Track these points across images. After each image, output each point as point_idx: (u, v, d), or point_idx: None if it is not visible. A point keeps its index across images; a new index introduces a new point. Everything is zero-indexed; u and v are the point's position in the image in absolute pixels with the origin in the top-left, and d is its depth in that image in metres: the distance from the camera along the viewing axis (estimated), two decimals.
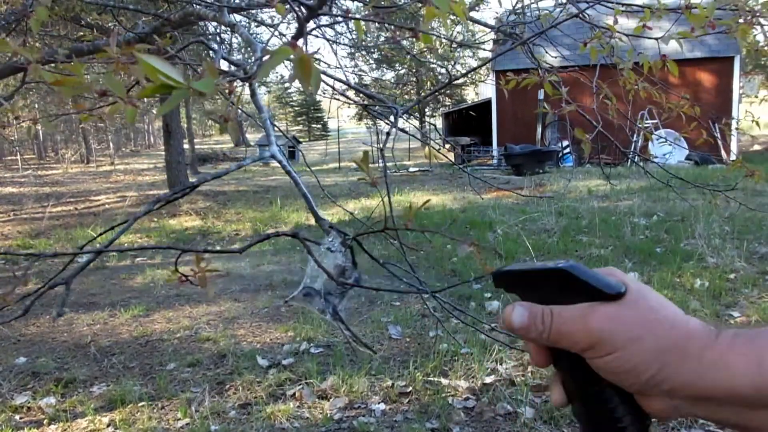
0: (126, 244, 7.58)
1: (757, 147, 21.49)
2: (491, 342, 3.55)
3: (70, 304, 4.96)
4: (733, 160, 2.68)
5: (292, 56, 0.57)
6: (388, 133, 1.46)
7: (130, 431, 2.82)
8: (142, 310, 4.64)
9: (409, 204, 1.03)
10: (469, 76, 28.62)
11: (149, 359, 3.70)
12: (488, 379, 3.13)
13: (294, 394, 3.09)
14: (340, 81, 1.96)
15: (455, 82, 28.45)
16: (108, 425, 2.89)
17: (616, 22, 1.82)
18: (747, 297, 4.12)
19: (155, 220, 9.28)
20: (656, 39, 1.76)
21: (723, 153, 14.80)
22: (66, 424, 2.91)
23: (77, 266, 1.04)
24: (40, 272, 6.18)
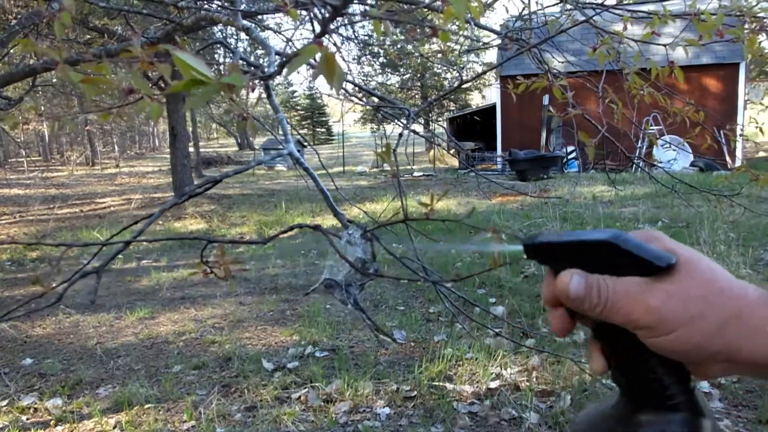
0: (132, 246, 7.61)
1: (762, 154, 21.45)
2: (496, 347, 3.56)
3: (75, 306, 4.98)
4: (737, 166, 2.68)
5: (318, 54, 0.59)
6: (400, 134, 1.48)
7: None
8: (147, 313, 4.66)
9: (431, 195, 1.04)
10: (475, 81, 28.67)
11: (155, 361, 3.72)
12: (493, 384, 3.14)
13: (299, 397, 3.10)
14: (352, 83, 1.98)
15: (461, 87, 28.50)
16: (114, 427, 2.91)
17: (625, 28, 1.83)
18: None
19: (160, 223, 9.31)
20: (664, 45, 1.77)
21: (728, 159, 14.78)
22: (73, 426, 2.92)
23: (107, 257, 1.06)
24: (46, 274, 6.21)
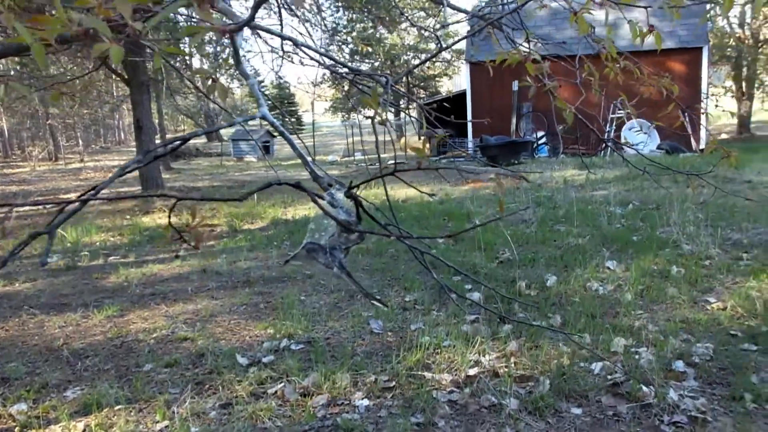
0: (98, 243, 7.40)
1: (724, 136, 21.96)
2: (473, 334, 3.54)
3: (40, 306, 4.81)
4: (709, 144, 2.69)
5: None
6: (381, 101, 1.43)
7: None
8: (116, 311, 4.52)
9: (422, 140, 0.99)
10: (444, 68, 28.64)
11: (125, 361, 3.60)
12: (472, 372, 3.12)
13: (276, 392, 3.03)
14: (329, 57, 1.90)
15: (430, 74, 28.46)
16: (83, 430, 2.80)
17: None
18: (722, 282, 4.19)
19: (128, 217, 9.09)
20: (645, 7, 1.74)
21: (693, 142, 15.07)
22: (39, 431, 2.81)
23: (62, 216, 0.98)
24: (8, 273, 5.99)
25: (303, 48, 1.73)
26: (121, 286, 5.31)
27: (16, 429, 2.85)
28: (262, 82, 38.95)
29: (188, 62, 16.36)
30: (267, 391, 3.06)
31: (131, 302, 4.76)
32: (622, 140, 13.56)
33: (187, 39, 10.88)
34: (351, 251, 1.03)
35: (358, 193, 1.16)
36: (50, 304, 4.87)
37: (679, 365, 3.04)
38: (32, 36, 0.69)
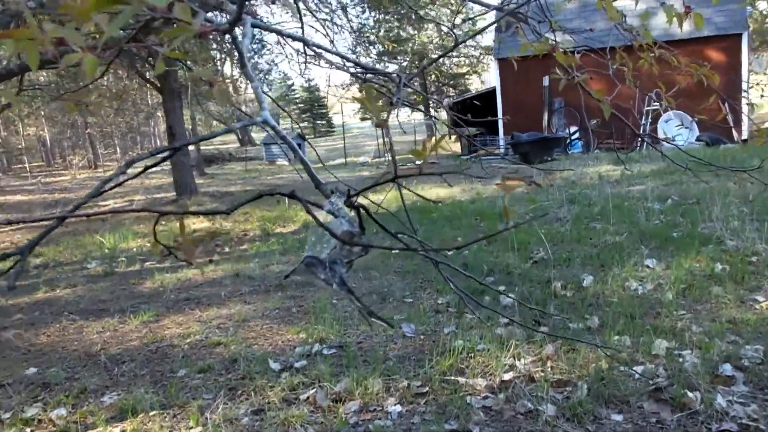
0: (135, 249, 7.55)
1: (767, 125, 21.16)
2: (507, 337, 3.46)
3: (79, 311, 4.91)
4: (757, 133, 2.55)
5: None
6: (391, 102, 1.38)
7: None
8: (152, 316, 4.58)
9: (423, 142, 0.93)
10: (473, 66, 28.38)
11: (160, 366, 3.64)
12: (506, 376, 3.04)
13: (308, 398, 3.01)
14: (340, 55, 1.87)
15: (458, 72, 28.24)
16: None
17: None
18: None
19: (163, 223, 9.23)
20: None
21: (734, 133, 14.55)
22: None
23: (37, 236, 0.96)
24: (50, 280, 6.15)
25: (314, 48, 1.70)
26: (156, 291, 5.39)
27: None
28: (292, 86, 39.30)
29: (218, 68, 16.60)
30: (299, 396, 3.04)
31: (166, 307, 4.82)
32: (659, 133, 13.19)
33: (217, 44, 11.01)
34: (354, 263, 0.98)
35: (368, 198, 1.10)
36: (89, 309, 4.97)
37: (727, 369, 2.90)
38: (17, 48, 0.67)
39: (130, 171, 1.24)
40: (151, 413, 2.99)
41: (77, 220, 10.01)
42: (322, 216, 0.96)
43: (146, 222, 9.38)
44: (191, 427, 2.85)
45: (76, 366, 3.76)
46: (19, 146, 26.90)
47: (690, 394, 2.68)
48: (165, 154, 1.02)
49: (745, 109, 12.62)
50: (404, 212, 1.80)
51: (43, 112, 24.55)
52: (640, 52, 2.06)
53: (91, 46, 0.67)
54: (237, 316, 4.41)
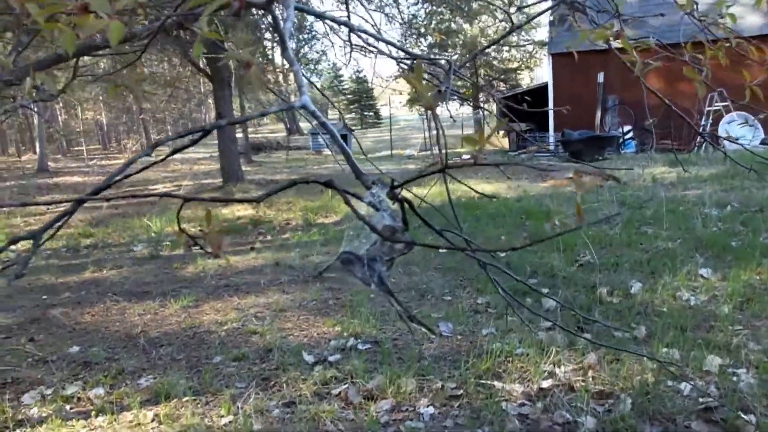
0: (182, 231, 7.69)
1: None
2: (548, 343, 3.33)
3: (123, 293, 5.03)
4: None
5: None
6: (439, 90, 1.30)
7: (174, 427, 2.77)
8: (191, 301, 4.64)
9: (479, 132, 0.84)
10: (525, 60, 27.80)
11: (196, 351, 3.67)
12: (545, 384, 2.92)
13: (339, 393, 2.97)
14: (387, 42, 1.79)
15: (509, 66, 27.71)
16: (152, 420, 2.85)
17: None
18: None
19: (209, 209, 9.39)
20: None
21: None
22: (112, 417, 2.89)
23: (50, 220, 0.92)
24: (97, 260, 6.33)
25: (359, 33, 1.63)
26: (198, 276, 5.46)
27: (93, 413, 2.95)
28: (341, 76, 39.44)
29: (269, 56, 16.76)
30: (331, 391, 3.00)
31: (206, 293, 4.87)
32: (721, 134, 12.58)
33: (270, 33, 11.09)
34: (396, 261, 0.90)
35: (411, 192, 1.01)
36: (133, 291, 5.08)
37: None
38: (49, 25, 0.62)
39: (178, 156, 1.20)
40: (184, 399, 3.01)
41: (127, 203, 10.29)
42: (362, 209, 0.87)
43: (193, 207, 9.57)
44: (222, 416, 2.86)
45: (116, 347, 3.84)
46: (78, 129, 27.96)
47: (744, 417, 2.50)
48: (196, 136, 0.97)
49: None
50: (450, 207, 1.71)
51: (101, 98, 25.42)
52: (713, 44, 1.90)
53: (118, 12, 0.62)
54: (274, 305, 4.42)
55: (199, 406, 2.96)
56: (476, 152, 0.69)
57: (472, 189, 1.42)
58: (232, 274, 5.48)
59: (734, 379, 2.84)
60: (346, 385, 3.03)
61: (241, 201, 0.95)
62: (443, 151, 0.85)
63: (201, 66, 11.56)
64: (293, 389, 3.05)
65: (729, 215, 5.91)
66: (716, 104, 13.51)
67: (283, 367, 3.31)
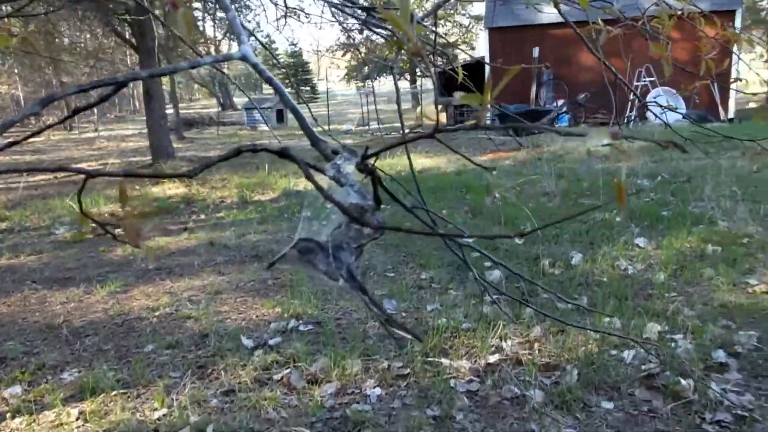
0: (106, 214, 7.24)
1: (752, 104, 21.19)
2: (494, 316, 3.31)
3: (43, 280, 4.66)
4: (759, 111, 2.37)
5: None
6: (401, 48, 1.17)
7: (101, 424, 2.56)
8: (119, 286, 4.35)
9: (487, 84, 0.69)
10: (462, 36, 27.90)
11: (125, 340, 3.43)
12: (492, 359, 2.89)
13: (281, 378, 2.83)
14: (331, 4, 1.62)
15: (447, 41, 27.71)
16: (77, 418, 2.63)
17: None
18: (764, 263, 3.89)
19: (137, 187, 8.92)
20: None
21: (721, 111, 14.47)
22: (30, 418, 2.64)
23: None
24: (14, 245, 5.86)
25: None
26: (126, 259, 5.14)
27: (8, 414, 2.69)
28: (276, 50, 38.31)
29: (200, 27, 15.99)
30: (272, 377, 2.86)
31: (136, 277, 4.58)
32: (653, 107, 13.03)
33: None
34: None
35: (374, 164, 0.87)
36: (54, 278, 4.72)
37: (721, 355, 2.78)
38: None
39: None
40: (113, 393, 2.79)
41: (48, 182, 9.62)
42: (321, 183, 0.71)
43: (118, 184, 9.05)
44: (155, 409, 2.66)
45: (35, 339, 3.53)
46: None
47: (683, 382, 2.55)
48: (109, 90, 0.80)
49: (733, 87, 12.48)
50: (413, 183, 1.58)
51: (16, 71, 23.63)
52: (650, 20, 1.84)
53: None
54: (210, 287, 4.20)
55: (129, 399, 2.75)
56: (481, 112, 0.55)
57: (470, 160, 1.30)
58: (163, 255, 5.18)
59: (672, 345, 2.90)
60: (288, 370, 2.89)
61: (161, 176, 0.76)
62: (435, 117, 0.72)
63: (126, 37, 10.86)
64: (232, 376, 2.89)
65: (660, 186, 6.11)
66: (643, 80, 13.99)
67: (221, 353, 3.14)
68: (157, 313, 3.78)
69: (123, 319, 3.74)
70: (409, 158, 1.38)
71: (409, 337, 0.68)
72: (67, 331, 3.59)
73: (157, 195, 8.10)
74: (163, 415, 2.61)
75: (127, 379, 2.93)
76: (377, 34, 1.70)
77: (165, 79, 18.59)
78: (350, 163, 0.68)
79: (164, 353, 3.21)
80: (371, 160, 0.70)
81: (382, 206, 0.65)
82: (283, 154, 0.63)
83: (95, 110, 30.02)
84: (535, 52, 14.77)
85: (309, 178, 0.58)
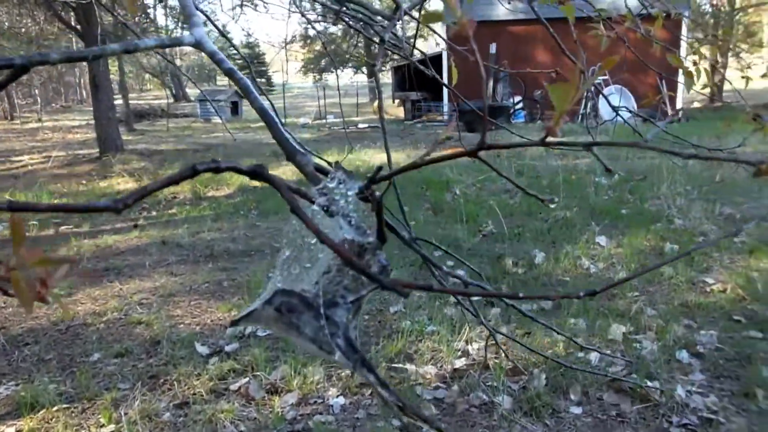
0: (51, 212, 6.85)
1: (696, 104, 21.97)
2: (459, 318, 3.24)
3: None
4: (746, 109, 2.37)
5: None
6: (382, 39, 1.06)
7: None
8: (63, 289, 4.07)
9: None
10: (419, 30, 27.91)
11: (69, 349, 3.20)
12: (458, 363, 2.82)
13: (239, 389, 2.69)
14: None
15: (407, 35, 27.65)
16: None
17: None
18: (719, 261, 3.95)
19: (84, 182, 8.51)
20: None
21: (669, 110, 14.91)
22: None
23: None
24: None
25: None
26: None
27: None
28: (232, 39, 37.46)
29: (151, 16, 15.41)
30: (229, 387, 2.71)
31: (81, 279, 4.32)
32: (600, 107, 13.30)
33: None
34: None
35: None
36: None
37: (684, 356, 2.79)
38: None
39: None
40: (55, 408, 2.59)
41: None
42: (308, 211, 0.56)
43: (64, 180, 8.63)
44: (102, 425, 2.48)
45: None
46: None
47: (650, 384, 2.54)
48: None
49: (680, 87, 12.85)
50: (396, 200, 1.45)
51: None
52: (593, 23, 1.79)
53: None
54: (162, 290, 3.99)
55: (73, 415, 2.55)
56: (554, 124, 0.43)
57: (525, 191, 1.20)
58: (111, 255, 4.92)
59: (637, 346, 2.89)
60: (247, 379, 2.75)
61: (85, 211, 0.50)
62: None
63: (71, 23, 10.32)
64: (186, 387, 2.72)
65: (617, 183, 6.19)
66: (598, 78, 14.26)
67: (174, 361, 2.96)
68: (104, 319, 3.56)
69: (67, 326, 3.50)
70: (387, 153, 1.27)
71: (428, 426, 0.55)
72: (5, 339, 3.33)
73: (106, 190, 7.73)
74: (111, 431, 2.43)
75: (70, 393, 2.73)
76: (350, 25, 1.57)
77: (113, 68, 17.90)
78: (351, 185, 0.54)
79: (112, 362, 3.01)
80: (377, 188, 0.57)
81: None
82: (257, 174, 0.50)
83: (39, 99, 28.68)
84: (492, 48, 14.85)
85: (295, 210, 0.45)
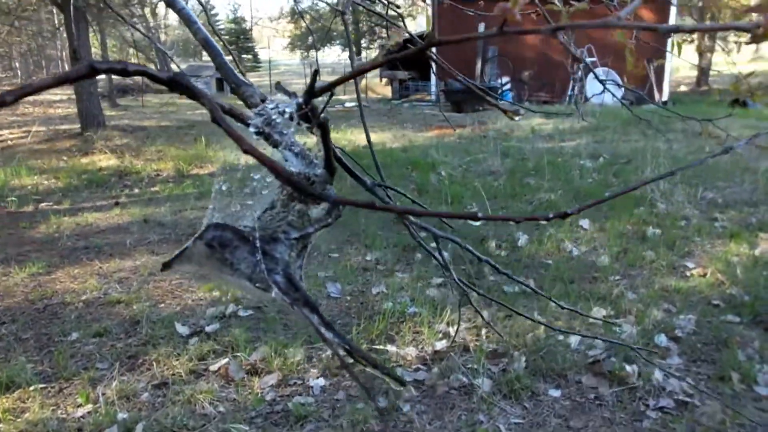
0: (30, 186, 6.74)
1: (683, 88, 22.04)
2: (441, 300, 3.25)
3: None
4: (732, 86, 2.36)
5: None
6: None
7: (17, 425, 2.33)
8: (42, 267, 4.02)
9: None
10: (406, 8, 27.56)
11: (47, 328, 3.16)
12: (439, 345, 2.83)
13: (219, 369, 2.67)
14: None
15: (392, 15, 27.35)
16: None
17: None
18: (700, 246, 3.99)
19: (65, 159, 8.36)
20: None
21: (656, 93, 14.93)
22: None
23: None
24: None
25: None
26: (50, 237, 4.77)
27: None
28: (217, 15, 36.79)
29: None
30: (209, 367, 2.70)
31: (61, 257, 4.26)
32: (587, 88, 13.29)
33: None
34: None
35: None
36: None
37: (662, 340, 2.82)
38: None
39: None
40: (31, 388, 2.56)
41: None
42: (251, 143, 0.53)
43: (44, 156, 8.46)
44: (79, 405, 2.46)
45: None
46: None
47: (628, 368, 2.56)
48: None
49: (668, 70, 12.86)
50: (369, 154, 1.43)
51: None
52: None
53: None
54: (142, 269, 3.94)
55: (50, 395, 2.53)
56: (512, 5, 0.40)
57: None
58: (92, 233, 4.85)
59: (616, 329, 2.92)
60: (226, 360, 2.73)
61: None
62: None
63: None
64: (165, 367, 2.70)
65: (602, 166, 6.20)
66: (586, 59, 14.21)
67: (153, 341, 2.94)
68: (83, 297, 3.52)
69: (45, 304, 3.45)
70: (365, 127, 1.24)
71: (395, 382, 0.54)
72: None
73: (87, 167, 7.60)
74: (88, 413, 2.41)
75: (48, 372, 2.70)
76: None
77: (96, 42, 17.50)
78: (289, 107, 0.50)
79: (90, 342, 2.98)
80: (323, 107, 0.52)
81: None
82: (175, 83, 0.46)
83: (19, 72, 28.04)
84: (481, 27, 14.72)
85: (217, 120, 0.39)
